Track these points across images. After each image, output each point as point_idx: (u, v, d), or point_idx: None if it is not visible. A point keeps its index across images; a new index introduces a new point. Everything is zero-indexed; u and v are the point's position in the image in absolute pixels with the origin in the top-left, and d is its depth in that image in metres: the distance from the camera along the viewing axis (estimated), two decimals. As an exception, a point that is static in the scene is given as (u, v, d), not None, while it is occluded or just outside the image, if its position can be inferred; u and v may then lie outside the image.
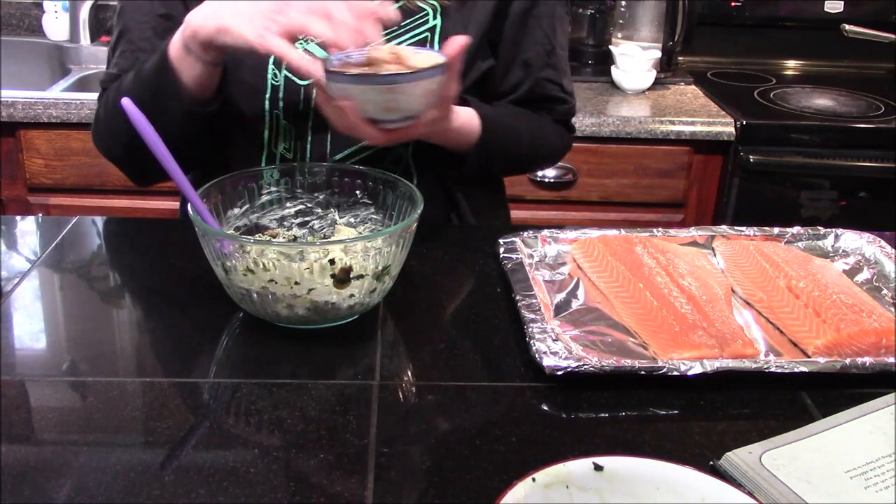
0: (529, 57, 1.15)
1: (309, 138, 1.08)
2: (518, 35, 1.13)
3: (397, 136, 0.93)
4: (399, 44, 1.06)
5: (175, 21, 1.03)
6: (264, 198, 0.96)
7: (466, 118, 1.05)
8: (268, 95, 1.07)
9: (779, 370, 0.77)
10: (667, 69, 2.21)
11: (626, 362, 0.78)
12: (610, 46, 2.18)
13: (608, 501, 0.59)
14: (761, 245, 1.01)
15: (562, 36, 1.18)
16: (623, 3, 2.24)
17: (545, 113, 1.19)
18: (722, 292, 0.92)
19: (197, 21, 0.90)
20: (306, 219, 0.98)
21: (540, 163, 1.36)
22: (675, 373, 0.76)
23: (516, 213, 1.37)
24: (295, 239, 0.97)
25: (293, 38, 0.87)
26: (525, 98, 1.17)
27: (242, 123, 1.08)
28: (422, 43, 1.07)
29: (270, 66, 1.06)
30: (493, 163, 1.13)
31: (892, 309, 0.90)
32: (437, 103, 0.92)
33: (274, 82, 1.06)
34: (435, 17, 1.07)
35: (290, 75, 1.06)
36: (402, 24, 1.06)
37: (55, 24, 2.33)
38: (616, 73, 2.12)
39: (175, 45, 0.94)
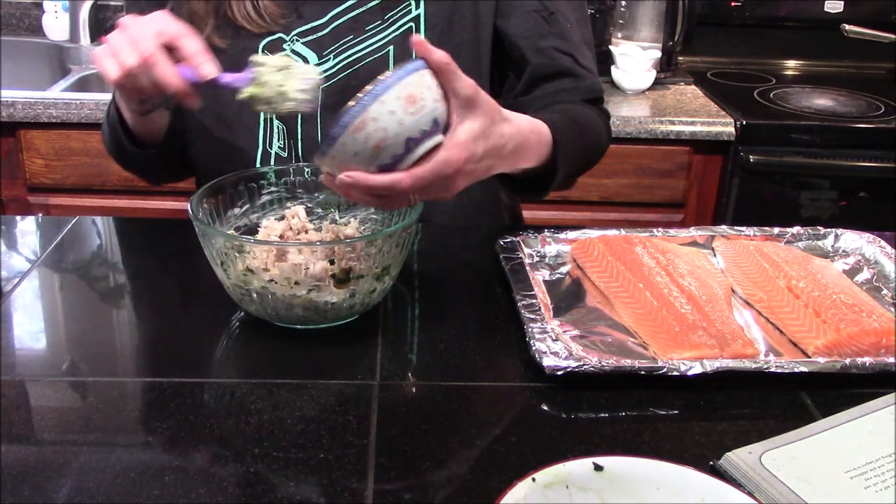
0: (524, 28, 1.09)
1: (300, 136, 1.08)
2: (506, 6, 1.08)
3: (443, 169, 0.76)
4: (385, 37, 1.07)
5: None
6: (264, 198, 0.96)
7: (528, 122, 0.88)
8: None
9: (779, 370, 0.77)
10: (667, 69, 2.22)
11: (626, 362, 0.78)
12: (610, 46, 2.17)
13: (608, 501, 0.59)
14: (761, 245, 1.01)
15: (566, 4, 1.10)
16: (623, 3, 2.24)
17: (563, 94, 1.09)
18: (722, 292, 0.92)
19: None
20: (306, 219, 0.98)
21: (597, 152, 1.12)
22: (675, 373, 0.76)
23: (516, 213, 1.37)
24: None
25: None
26: (532, 78, 1.09)
27: (238, 125, 1.08)
28: (406, 34, 1.06)
29: None
30: (570, 165, 0.98)
31: (892, 309, 0.90)
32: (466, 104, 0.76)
33: None
34: (418, 7, 1.06)
35: None
36: (385, 16, 1.06)
37: (55, 24, 2.33)
38: (616, 73, 2.12)
39: None
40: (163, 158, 1.08)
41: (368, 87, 0.73)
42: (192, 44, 0.85)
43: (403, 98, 0.74)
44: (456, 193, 0.80)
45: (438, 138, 0.76)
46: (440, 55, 0.75)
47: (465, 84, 0.76)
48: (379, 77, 0.74)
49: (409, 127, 0.74)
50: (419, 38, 0.76)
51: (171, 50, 0.85)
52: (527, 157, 0.89)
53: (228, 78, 0.86)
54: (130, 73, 0.85)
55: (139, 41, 0.84)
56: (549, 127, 0.92)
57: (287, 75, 0.85)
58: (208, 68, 0.85)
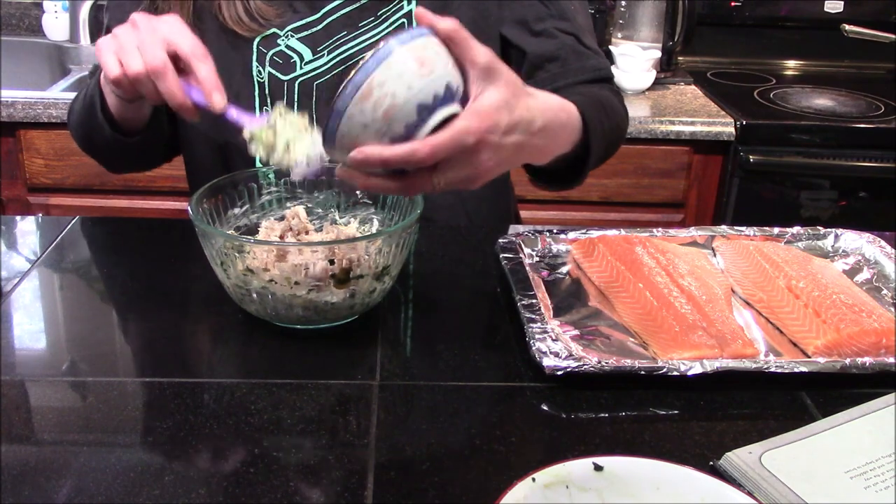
0: (523, 14, 1.07)
1: None
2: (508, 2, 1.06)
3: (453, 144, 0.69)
4: (378, 33, 1.06)
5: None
6: (264, 198, 0.96)
7: (556, 99, 0.82)
8: (256, 92, 1.07)
9: (779, 370, 0.77)
10: (667, 69, 2.22)
11: (626, 362, 0.78)
12: (610, 46, 2.18)
13: (608, 501, 0.59)
14: (761, 245, 1.01)
15: None
16: (623, 3, 2.24)
17: (571, 74, 1.06)
18: (722, 292, 0.92)
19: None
20: (306, 219, 0.98)
21: (620, 134, 1.07)
22: (675, 373, 0.76)
23: (516, 213, 1.37)
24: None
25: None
26: (533, 60, 1.07)
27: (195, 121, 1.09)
28: (400, 29, 1.06)
29: (255, 64, 1.06)
30: (600, 147, 0.93)
31: (892, 309, 0.90)
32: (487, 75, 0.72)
33: (259, 79, 1.06)
34: (410, 3, 1.06)
35: (273, 71, 1.06)
36: (378, 12, 1.06)
37: (55, 24, 2.33)
38: (616, 73, 2.11)
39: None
40: (144, 146, 1.05)
41: (371, 53, 0.68)
42: (204, 69, 0.81)
43: (411, 60, 0.68)
44: (484, 179, 0.75)
45: (455, 108, 0.71)
46: (448, 23, 0.71)
47: (482, 52, 0.71)
48: (381, 42, 0.69)
49: (420, 91, 0.68)
50: (422, 10, 0.72)
51: (176, 58, 0.82)
52: (560, 138, 0.83)
53: (235, 113, 0.82)
54: (131, 78, 0.82)
55: (147, 48, 0.81)
56: (576, 106, 0.86)
57: (301, 136, 0.80)
58: (218, 100, 0.81)
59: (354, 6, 1.06)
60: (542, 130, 0.77)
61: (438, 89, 0.69)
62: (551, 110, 0.79)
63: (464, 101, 0.72)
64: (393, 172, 0.73)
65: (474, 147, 0.70)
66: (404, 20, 1.06)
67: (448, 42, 0.71)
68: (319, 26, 1.06)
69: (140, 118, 1.01)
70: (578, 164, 0.91)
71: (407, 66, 0.68)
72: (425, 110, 0.69)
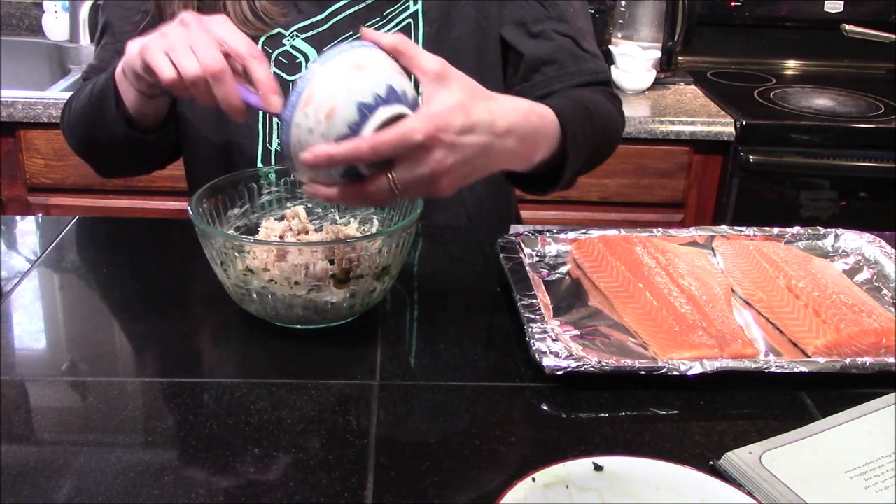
0: (521, 15, 1.07)
1: None
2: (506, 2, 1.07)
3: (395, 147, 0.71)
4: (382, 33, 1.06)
5: (155, 16, 1.03)
6: (264, 198, 0.96)
7: (525, 102, 0.83)
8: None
9: (779, 370, 0.77)
10: (667, 69, 2.22)
11: (626, 362, 0.78)
12: (610, 46, 2.18)
13: (608, 501, 0.59)
14: (761, 245, 1.01)
15: None
16: (623, 3, 2.24)
17: (566, 78, 1.06)
18: (722, 292, 0.92)
19: (133, 47, 0.85)
20: (306, 219, 0.98)
21: (610, 136, 1.07)
22: (675, 373, 0.76)
23: (516, 213, 1.37)
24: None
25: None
26: (531, 62, 1.07)
27: (238, 123, 1.08)
28: (405, 30, 1.06)
29: None
30: (582, 151, 0.93)
31: (892, 309, 0.90)
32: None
33: None
34: (416, 3, 1.06)
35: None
36: (384, 13, 1.06)
37: (55, 24, 2.33)
38: (616, 73, 2.12)
39: (119, 66, 0.93)
40: (158, 144, 1.04)
41: (311, 64, 0.73)
42: (261, 70, 0.79)
43: (349, 66, 0.72)
44: (451, 188, 0.75)
45: (401, 108, 0.72)
46: (391, 37, 0.74)
47: (430, 60, 0.73)
48: (324, 52, 0.73)
49: (359, 91, 0.71)
50: (365, 29, 0.76)
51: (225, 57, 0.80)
52: (534, 142, 0.83)
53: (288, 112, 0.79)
54: (188, 82, 0.79)
55: (202, 48, 0.78)
56: (553, 110, 0.86)
57: None
58: (276, 101, 0.78)
59: (361, 6, 1.06)
60: (508, 132, 0.77)
61: (379, 90, 0.72)
62: (517, 112, 0.80)
63: (416, 105, 0.74)
64: (350, 178, 0.75)
65: (424, 145, 0.72)
66: (410, 20, 1.06)
67: (395, 55, 0.74)
68: (325, 26, 1.06)
69: (158, 115, 1.00)
70: (556, 168, 0.91)
71: (344, 70, 0.72)
72: (366, 109, 0.71)
